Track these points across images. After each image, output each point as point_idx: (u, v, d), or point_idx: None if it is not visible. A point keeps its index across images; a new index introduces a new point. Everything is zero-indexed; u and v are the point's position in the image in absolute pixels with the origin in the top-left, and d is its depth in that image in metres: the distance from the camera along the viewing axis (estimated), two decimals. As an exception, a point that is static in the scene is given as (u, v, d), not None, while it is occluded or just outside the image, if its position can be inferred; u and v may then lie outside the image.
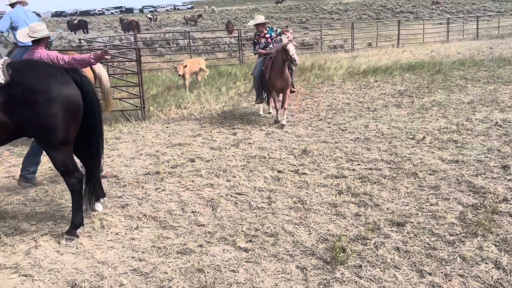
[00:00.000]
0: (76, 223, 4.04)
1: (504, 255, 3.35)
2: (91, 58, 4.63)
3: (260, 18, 8.54)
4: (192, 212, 4.52)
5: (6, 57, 4.05)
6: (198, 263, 3.52)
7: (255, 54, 8.68)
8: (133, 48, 11.45)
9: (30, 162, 5.24)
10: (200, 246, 3.82)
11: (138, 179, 5.46)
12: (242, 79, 12.82)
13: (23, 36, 4.76)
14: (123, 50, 15.14)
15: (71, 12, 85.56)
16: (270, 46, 8.48)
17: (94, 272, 3.42)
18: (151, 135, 7.68)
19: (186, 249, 3.76)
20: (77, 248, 3.81)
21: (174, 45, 20.90)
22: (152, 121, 8.60)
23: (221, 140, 7.15)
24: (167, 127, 8.15)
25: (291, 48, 7.36)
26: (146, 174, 5.59)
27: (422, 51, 18.47)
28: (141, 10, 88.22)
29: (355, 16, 45.08)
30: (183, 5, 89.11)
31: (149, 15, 50.20)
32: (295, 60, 7.39)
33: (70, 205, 4.55)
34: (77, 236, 4.00)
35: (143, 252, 3.73)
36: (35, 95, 3.63)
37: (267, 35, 8.57)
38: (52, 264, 3.55)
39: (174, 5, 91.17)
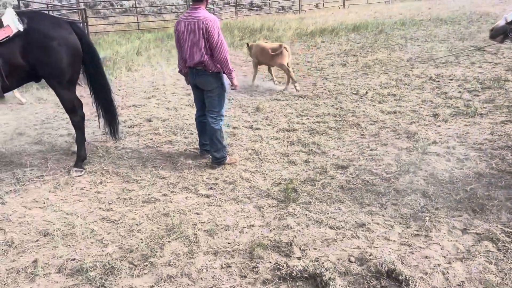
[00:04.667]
0: (81, 157, 4.72)
1: (430, 187, 3.91)
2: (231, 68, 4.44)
3: None
4: (154, 166, 4.75)
5: (11, 8, 4.48)
6: (164, 209, 3.81)
7: None
8: (77, 9, 11.02)
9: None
10: (164, 195, 4.10)
11: (97, 138, 5.57)
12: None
13: None
14: (64, 12, 14.43)
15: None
16: None
17: (65, 222, 3.62)
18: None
19: (151, 198, 4.03)
20: (44, 203, 3.96)
21: (119, 7, 20.09)
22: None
23: (175, 100, 7.29)
24: (119, 90, 8.13)
25: None
26: (104, 134, 5.69)
27: (366, 12, 19.08)
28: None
29: (302, -23, 44.88)
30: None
31: (87, -25, 47.10)
32: None
33: (29, 164, 4.71)
34: (84, 169, 4.65)
35: (110, 203, 3.96)
36: (51, 41, 4.26)
37: None
38: (22, 218, 3.70)
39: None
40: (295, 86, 7.62)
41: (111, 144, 5.37)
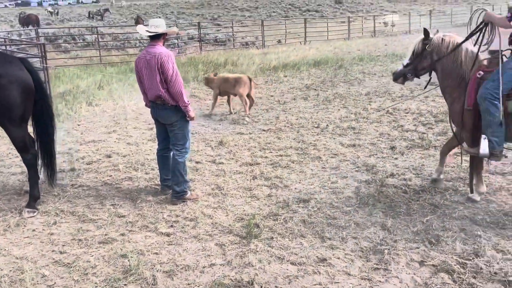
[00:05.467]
0: (34, 196, 4.51)
1: (389, 219, 3.99)
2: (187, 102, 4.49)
3: None
4: (112, 205, 4.60)
5: None
6: (121, 249, 3.67)
7: None
8: (36, 43, 10.85)
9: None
10: (122, 235, 3.96)
11: (52, 176, 5.36)
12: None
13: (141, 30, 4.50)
14: (23, 46, 14.15)
15: (-45, 4, 76.06)
16: None
17: (13, 267, 3.41)
18: (61, 133, 7.44)
19: (108, 238, 3.88)
20: (-8, 247, 3.73)
21: (81, 41, 19.93)
22: (62, 119, 8.30)
23: (137, 135, 7.19)
24: (78, 125, 7.95)
25: None
26: (60, 172, 5.49)
27: (326, 47, 19.81)
28: (39, 3, 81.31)
29: (265, 13, 46.42)
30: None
31: (49, 9, 46.64)
32: None
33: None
34: (37, 209, 4.44)
35: (64, 245, 3.78)
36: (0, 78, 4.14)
37: None
38: (-35, 265, 3.46)
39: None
40: (245, 117, 8.11)
41: (67, 182, 5.18)
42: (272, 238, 3.76)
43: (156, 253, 3.60)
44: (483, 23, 4.02)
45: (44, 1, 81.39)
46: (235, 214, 4.29)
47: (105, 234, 3.95)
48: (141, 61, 4.45)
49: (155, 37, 4.46)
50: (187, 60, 15.82)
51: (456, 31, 4.81)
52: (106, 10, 44.13)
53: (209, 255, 3.55)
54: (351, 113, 8.09)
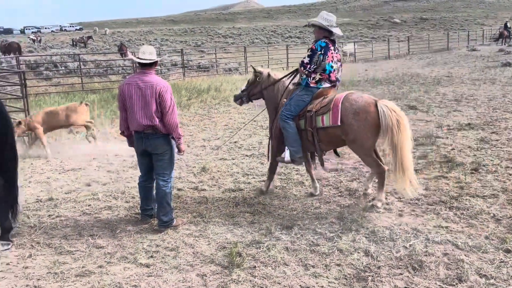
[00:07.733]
0: (6, 228, 4.27)
1: (372, 245, 3.96)
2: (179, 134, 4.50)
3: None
4: (90, 235, 4.47)
5: None
6: (99, 283, 3.54)
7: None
8: (16, 71, 10.74)
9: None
10: (100, 267, 3.83)
11: (29, 207, 5.21)
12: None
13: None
14: (3, 74, 14.00)
15: None
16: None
17: (-17, 305, 3.25)
18: (41, 161, 7.29)
19: (85, 271, 3.74)
20: (-39, 284, 3.56)
21: (63, 68, 19.84)
22: (41, 147, 8.15)
23: (118, 163, 7.08)
24: (58, 153, 7.81)
25: None
26: (37, 202, 5.36)
27: (308, 73, 20.14)
28: (22, 31, 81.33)
29: (248, 40, 47.24)
30: (70, 26, 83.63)
31: (31, 36, 46.56)
32: None
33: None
34: (12, 241, 4.27)
35: (39, 279, 3.63)
36: None
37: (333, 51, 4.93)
38: None
39: (60, 26, 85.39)
40: (88, 137, 8.26)
41: (44, 212, 5.03)
42: (254, 267, 3.69)
43: (135, 286, 3.48)
44: (295, 70, 5.26)
45: (26, 29, 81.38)
46: (217, 243, 4.21)
47: (82, 267, 3.82)
48: (132, 88, 4.33)
49: (147, 65, 4.39)
50: (170, 86, 15.86)
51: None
52: (89, 37, 44.32)
53: (190, 287, 3.45)
54: (333, 138, 8.13)
